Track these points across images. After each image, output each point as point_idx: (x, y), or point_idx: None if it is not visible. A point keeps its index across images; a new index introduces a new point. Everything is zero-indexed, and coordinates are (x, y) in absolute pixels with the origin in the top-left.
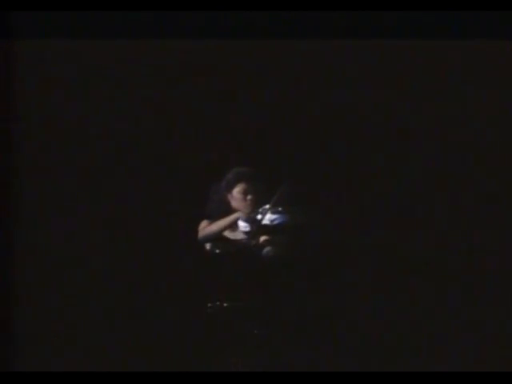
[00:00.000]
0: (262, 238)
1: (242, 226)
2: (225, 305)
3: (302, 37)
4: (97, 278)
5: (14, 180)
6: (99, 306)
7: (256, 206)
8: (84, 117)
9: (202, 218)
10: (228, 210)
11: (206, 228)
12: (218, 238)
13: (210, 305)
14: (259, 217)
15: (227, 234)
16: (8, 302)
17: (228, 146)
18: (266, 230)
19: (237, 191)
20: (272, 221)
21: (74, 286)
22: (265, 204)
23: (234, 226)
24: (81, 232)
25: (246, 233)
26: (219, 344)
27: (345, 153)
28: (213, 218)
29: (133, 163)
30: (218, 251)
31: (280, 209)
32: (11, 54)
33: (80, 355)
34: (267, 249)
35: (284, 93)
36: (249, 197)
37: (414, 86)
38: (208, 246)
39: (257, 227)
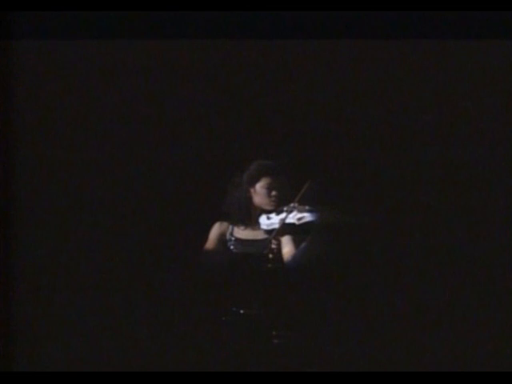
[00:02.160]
0: (286, 239)
1: (265, 224)
2: (241, 312)
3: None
4: (99, 279)
5: (13, 180)
6: (100, 307)
7: (281, 202)
8: (84, 117)
9: (217, 217)
10: (249, 206)
11: (215, 249)
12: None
13: (225, 312)
14: (284, 215)
15: (247, 232)
16: (8, 302)
17: (249, 139)
18: (291, 229)
19: (260, 186)
20: (299, 219)
21: (74, 286)
22: (291, 201)
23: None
24: (82, 232)
25: (268, 232)
26: (234, 354)
27: (379, 149)
28: (231, 216)
29: (136, 162)
30: (234, 252)
31: (307, 207)
32: (11, 54)
33: (80, 355)
34: (290, 250)
35: (309, 87)
36: (273, 192)
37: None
38: (224, 246)
39: (281, 226)
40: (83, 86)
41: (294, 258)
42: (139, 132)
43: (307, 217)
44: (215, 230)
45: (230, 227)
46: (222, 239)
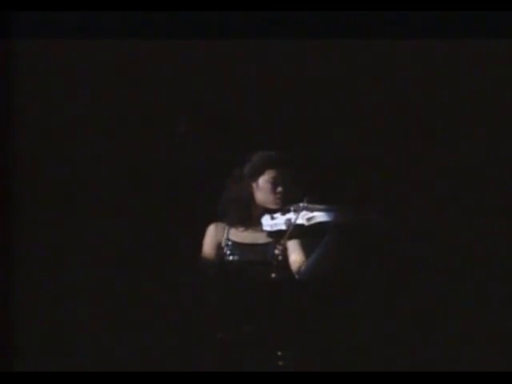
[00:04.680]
0: (293, 243)
1: (268, 224)
2: (241, 329)
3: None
4: (99, 280)
5: (14, 180)
6: (100, 308)
7: (287, 200)
8: (84, 117)
9: (212, 218)
10: (250, 203)
11: (213, 260)
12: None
13: (221, 328)
14: (291, 215)
15: (246, 235)
16: (8, 302)
17: (251, 127)
18: (299, 231)
19: (264, 180)
20: (308, 219)
21: (74, 287)
22: (299, 200)
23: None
24: (82, 232)
25: (271, 234)
26: (232, 376)
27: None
28: (228, 215)
29: (135, 162)
30: (231, 258)
31: (319, 205)
32: (11, 54)
33: (80, 355)
34: (300, 257)
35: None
36: (279, 189)
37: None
38: (220, 251)
39: (287, 227)
40: (83, 86)
41: (307, 267)
42: (138, 130)
43: (319, 216)
44: (211, 235)
45: (227, 229)
46: (219, 244)
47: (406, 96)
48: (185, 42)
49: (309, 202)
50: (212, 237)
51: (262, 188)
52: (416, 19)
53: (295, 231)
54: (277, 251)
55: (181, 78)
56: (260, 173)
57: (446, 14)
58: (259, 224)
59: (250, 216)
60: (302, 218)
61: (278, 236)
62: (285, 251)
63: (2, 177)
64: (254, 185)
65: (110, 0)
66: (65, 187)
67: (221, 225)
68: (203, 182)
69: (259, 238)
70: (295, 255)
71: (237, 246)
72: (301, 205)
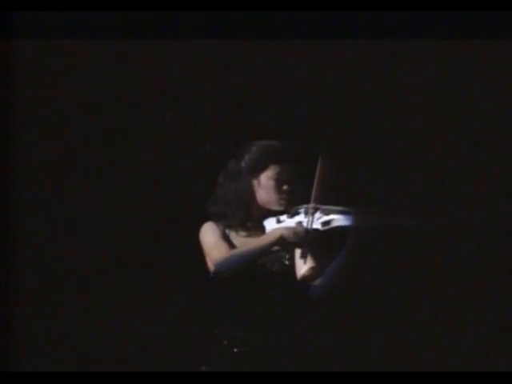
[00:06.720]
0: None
1: (272, 229)
2: (240, 351)
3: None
4: (98, 280)
5: (13, 181)
6: (101, 308)
7: (294, 201)
8: (84, 117)
9: (206, 218)
10: (250, 204)
11: (227, 252)
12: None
13: (225, 342)
14: (301, 217)
15: (248, 240)
16: (8, 302)
17: (250, 113)
18: (313, 237)
19: (267, 176)
20: (324, 223)
21: (74, 287)
22: (308, 200)
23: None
24: (81, 233)
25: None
26: None
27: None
28: (226, 218)
29: (134, 163)
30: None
31: (337, 208)
32: (11, 54)
33: (80, 355)
34: (312, 268)
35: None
36: (285, 187)
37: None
38: (224, 251)
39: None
40: (83, 86)
41: (325, 281)
42: (137, 130)
43: (337, 220)
44: (212, 228)
45: (227, 230)
46: (222, 240)
47: (421, 95)
48: (183, 40)
49: (319, 202)
50: (214, 230)
51: (265, 186)
52: (417, 19)
53: (309, 237)
54: (286, 261)
55: (183, 77)
56: (262, 168)
57: (446, 14)
58: (261, 228)
59: (249, 219)
60: (315, 222)
61: (286, 243)
62: (293, 261)
63: (2, 176)
64: (254, 182)
65: (110, 0)
66: (64, 187)
67: (220, 224)
68: (192, 178)
69: None
70: (309, 267)
71: None
72: (311, 206)
